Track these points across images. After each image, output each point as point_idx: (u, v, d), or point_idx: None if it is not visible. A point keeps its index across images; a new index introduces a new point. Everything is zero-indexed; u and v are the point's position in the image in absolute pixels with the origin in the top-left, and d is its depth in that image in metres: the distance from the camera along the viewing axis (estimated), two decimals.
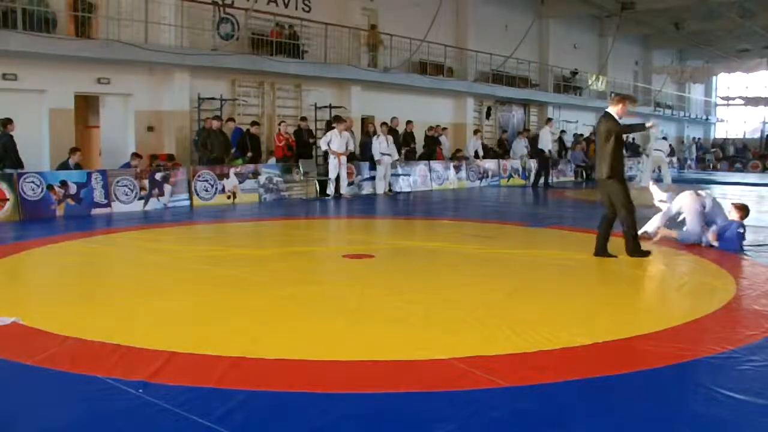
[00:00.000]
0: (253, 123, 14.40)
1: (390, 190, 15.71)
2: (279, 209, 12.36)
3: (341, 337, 4.31)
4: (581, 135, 24.48)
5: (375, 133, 16.26)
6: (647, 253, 7.31)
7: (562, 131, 24.70)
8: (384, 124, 15.75)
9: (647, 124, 7.55)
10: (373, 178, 15.73)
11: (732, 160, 34.27)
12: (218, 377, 3.51)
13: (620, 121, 7.22)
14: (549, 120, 20.36)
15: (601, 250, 7.25)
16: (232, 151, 13.69)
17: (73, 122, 12.79)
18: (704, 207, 8.19)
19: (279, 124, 14.98)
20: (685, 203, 8.29)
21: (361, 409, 3.19)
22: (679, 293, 5.86)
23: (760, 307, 5.15)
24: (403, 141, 16.81)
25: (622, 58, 30.02)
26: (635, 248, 7.24)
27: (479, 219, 11.21)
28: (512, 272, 6.73)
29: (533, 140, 22.21)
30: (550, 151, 19.27)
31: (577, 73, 26.66)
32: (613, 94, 7.52)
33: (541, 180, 18.93)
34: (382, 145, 15.27)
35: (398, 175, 16.28)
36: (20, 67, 11.78)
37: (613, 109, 7.34)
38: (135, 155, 12.29)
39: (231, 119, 14.17)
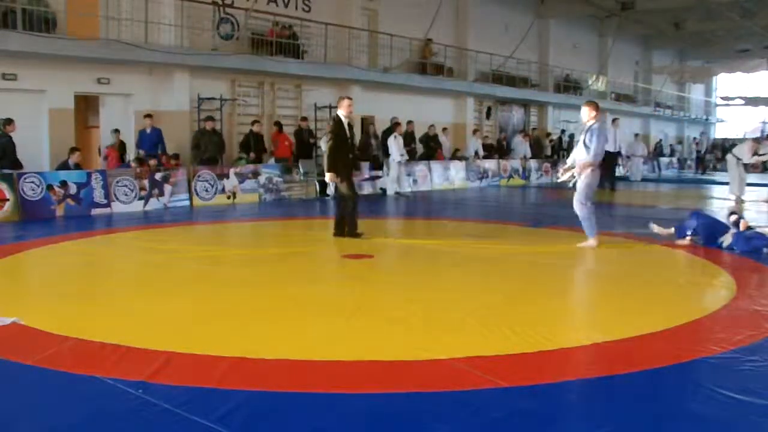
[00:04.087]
0: (255, 122, 14.38)
1: (396, 193, 15.56)
2: (279, 209, 12.35)
3: (341, 337, 4.31)
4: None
5: (374, 134, 16.25)
6: (360, 234, 8.31)
7: (562, 131, 24.70)
8: (398, 124, 15.76)
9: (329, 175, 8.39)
10: (373, 179, 15.73)
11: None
12: (218, 377, 3.51)
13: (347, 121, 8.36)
14: (615, 120, 18.95)
15: (343, 232, 8.40)
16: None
17: (73, 122, 12.79)
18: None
19: (275, 123, 14.97)
20: None
21: (361, 409, 3.19)
22: (678, 293, 5.86)
23: (760, 307, 5.15)
24: (404, 141, 16.79)
25: (622, 58, 30.02)
26: (352, 230, 8.38)
27: (479, 219, 11.21)
28: (512, 272, 6.73)
29: (536, 142, 22.19)
30: (619, 152, 18.34)
31: (580, 87, 26.55)
32: (340, 97, 8.64)
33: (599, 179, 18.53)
34: (400, 145, 15.28)
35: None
36: (20, 67, 11.78)
37: (341, 111, 8.35)
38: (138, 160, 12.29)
39: (148, 115, 12.82)
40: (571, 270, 6.65)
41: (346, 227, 8.47)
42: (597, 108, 7.95)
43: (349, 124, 8.67)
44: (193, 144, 13.23)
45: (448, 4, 20.05)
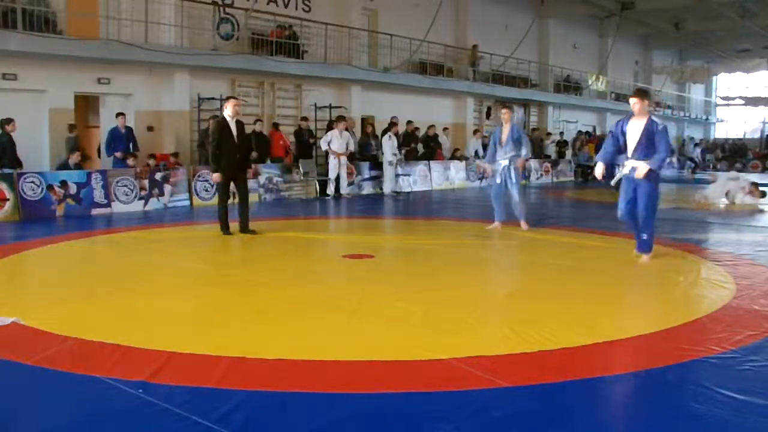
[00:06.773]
0: (257, 120, 14.34)
1: (395, 192, 15.60)
2: (279, 209, 12.35)
3: (341, 337, 4.31)
4: (586, 133, 24.38)
5: (374, 134, 16.23)
6: (227, 232, 8.64)
7: (579, 131, 24.70)
8: (393, 124, 15.76)
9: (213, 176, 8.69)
10: (373, 178, 15.73)
11: (731, 160, 34.28)
12: (218, 377, 3.51)
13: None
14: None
15: (244, 228, 8.77)
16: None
17: (73, 122, 12.77)
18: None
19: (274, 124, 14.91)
20: None
21: (361, 409, 3.19)
22: (678, 293, 5.86)
23: (760, 307, 5.15)
24: (404, 141, 16.82)
25: (622, 58, 30.02)
26: (222, 227, 8.69)
27: (479, 219, 11.20)
28: (512, 272, 6.73)
29: (537, 141, 22.15)
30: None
31: (580, 87, 26.42)
32: (228, 97, 9.16)
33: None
34: (393, 145, 15.30)
35: (398, 175, 16.28)
36: (20, 67, 11.78)
37: (226, 111, 8.51)
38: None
39: (121, 114, 12.50)
40: (570, 270, 6.64)
41: (240, 224, 8.79)
42: (511, 111, 9.86)
43: (238, 122, 8.67)
44: (199, 143, 13.22)
45: (448, 4, 20.05)
